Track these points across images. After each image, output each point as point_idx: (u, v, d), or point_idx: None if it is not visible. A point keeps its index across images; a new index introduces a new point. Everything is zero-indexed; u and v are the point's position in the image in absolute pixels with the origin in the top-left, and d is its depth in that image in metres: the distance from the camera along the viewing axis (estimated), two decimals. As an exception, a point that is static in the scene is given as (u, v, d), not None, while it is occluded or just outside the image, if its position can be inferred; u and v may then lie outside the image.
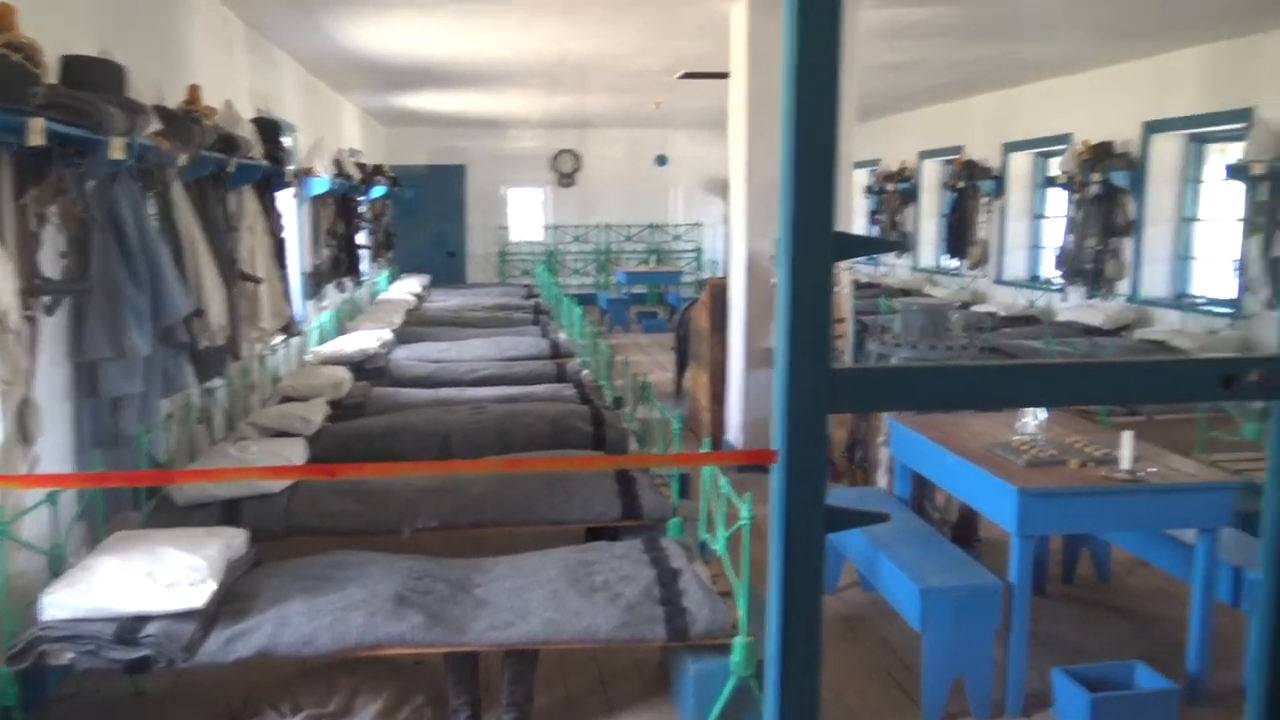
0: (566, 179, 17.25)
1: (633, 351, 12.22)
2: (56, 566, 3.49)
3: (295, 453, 4.85)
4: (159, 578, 3.22)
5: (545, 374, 7.52)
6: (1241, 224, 7.82)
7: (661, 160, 17.26)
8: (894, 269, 14.72)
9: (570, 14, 6.95)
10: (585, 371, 7.44)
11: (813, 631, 1.66)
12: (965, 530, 5.10)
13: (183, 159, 4.64)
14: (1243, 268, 7.79)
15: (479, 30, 7.55)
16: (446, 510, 4.45)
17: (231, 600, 3.40)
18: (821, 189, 1.55)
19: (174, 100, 5.16)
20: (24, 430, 3.35)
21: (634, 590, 3.42)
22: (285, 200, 7.28)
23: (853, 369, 1.71)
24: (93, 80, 3.86)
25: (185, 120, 4.82)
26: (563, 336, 9.31)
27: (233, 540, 3.66)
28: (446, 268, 16.78)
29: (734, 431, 7.01)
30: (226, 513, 4.29)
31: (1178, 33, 7.94)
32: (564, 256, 17.47)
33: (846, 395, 1.66)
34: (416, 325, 10.10)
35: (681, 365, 9.19)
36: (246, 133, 5.82)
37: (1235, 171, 7.65)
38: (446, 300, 12.83)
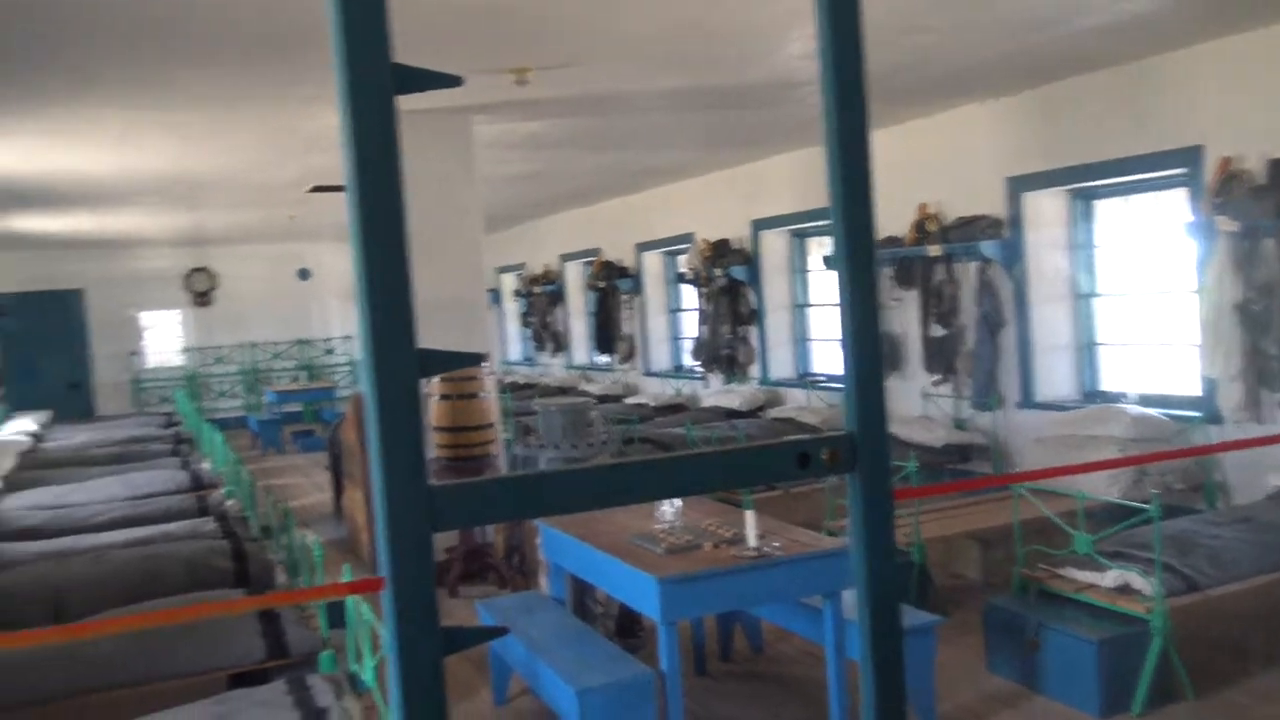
0: (203, 298, 16.32)
1: (290, 474, 11.63)
2: None
3: None
4: None
5: (185, 509, 6.94)
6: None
7: (304, 274, 16.77)
8: (550, 368, 15.08)
9: (175, 131, 6.63)
10: (230, 502, 6.95)
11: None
12: (628, 623, 5.20)
13: None
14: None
15: (74, 150, 7.04)
16: (69, 677, 3.95)
17: None
18: (399, 305, 1.53)
19: None
20: None
21: (274, 739, 3.18)
22: None
23: (449, 485, 1.69)
24: None
25: None
26: (206, 466, 8.68)
27: None
28: (70, 401, 15.22)
29: (393, 549, 6.80)
30: None
31: (771, 141, 8.83)
32: (207, 379, 16.43)
33: (447, 512, 1.64)
34: (32, 469, 9.01)
35: (339, 485, 8.84)
36: None
37: (830, 261, 8.56)
38: (70, 437, 11.60)
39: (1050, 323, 7.34)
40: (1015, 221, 7.29)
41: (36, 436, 11.30)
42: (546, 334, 14.93)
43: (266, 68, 5.26)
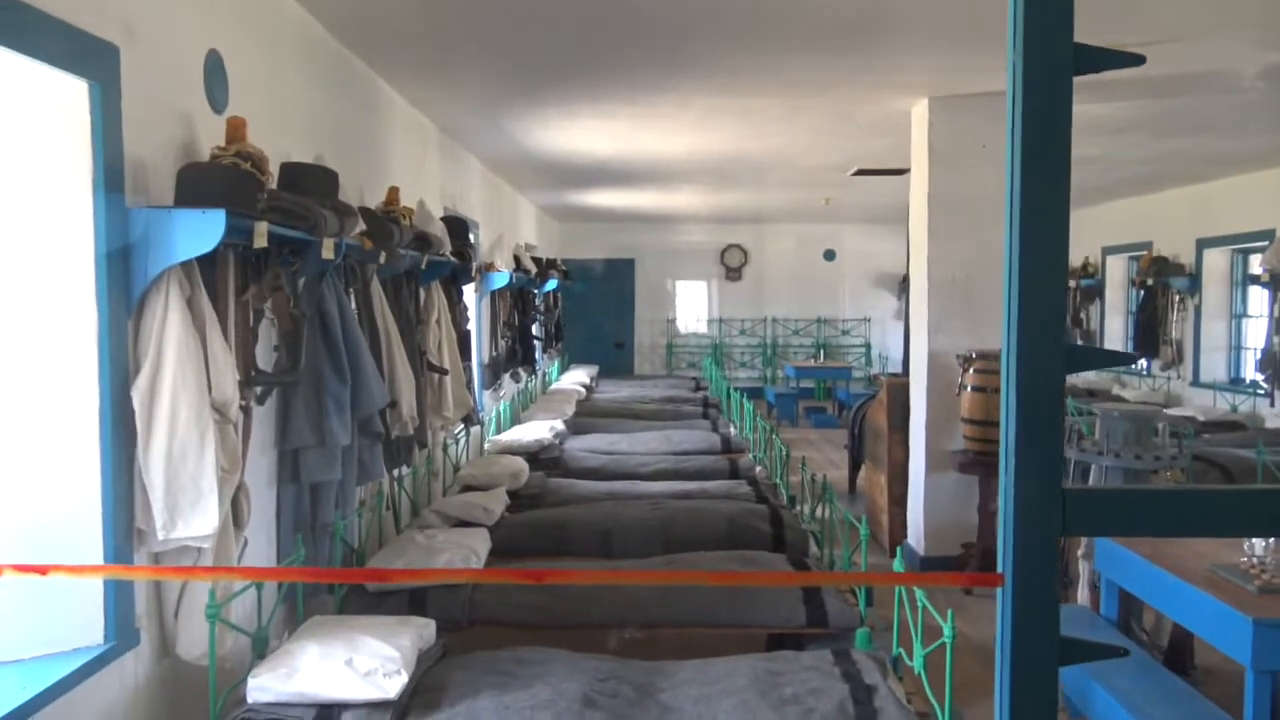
0: (734, 273, 17.37)
1: (802, 447, 12.01)
2: (260, 648, 3.60)
3: (479, 544, 4.92)
4: (357, 666, 3.27)
5: (718, 470, 7.44)
6: None
7: (830, 255, 17.19)
8: (1076, 368, 14.12)
9: (747, 115, 7.03)
10: (759, 468, 7.33)
11: (1046, 774, 1.54)
12: (1179, 656, 4.71)
13: (383, 257, 4.85)
14: None
15: (655, 132, 7.72)
16: (622, 608, 4.40)
17: (421, 692, 3.42)
18: (1050, 298, 1.47)
19: (374, 200, 5.43)
20: (236, 515, 3.51)
21: (826, 705, 3.27)
22: (468, 294, 7.55)
23: (1086, 490, 1.60)
24: (308, 185, 4.08)
25: (385, 220, 5.06)
26: (732, 431, 9.23)
27: (423, 630, 3.71)
28: (614, 359, 17.02)
29: (915, 535, 6.76)
30: (414, 600, 4.36)
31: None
32: (730, 349, 17.49)
33: (1079, 518, 1.56)
34: (587, 416, 10.20)
35: (855, 464, 8.96)
36: (438, 231, 6.06)
37: None
38: (615, 391, 12.96)
39: None
40: None
41: (588, 388, 12.76)
42: (1079, 331, 13.97)
43: (848, 54, 5.37)
